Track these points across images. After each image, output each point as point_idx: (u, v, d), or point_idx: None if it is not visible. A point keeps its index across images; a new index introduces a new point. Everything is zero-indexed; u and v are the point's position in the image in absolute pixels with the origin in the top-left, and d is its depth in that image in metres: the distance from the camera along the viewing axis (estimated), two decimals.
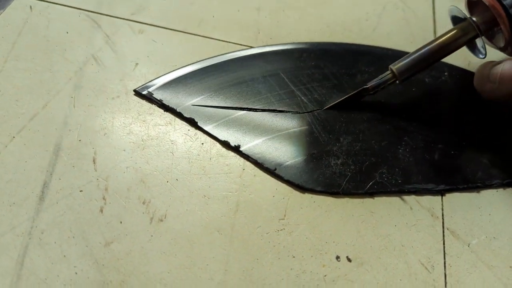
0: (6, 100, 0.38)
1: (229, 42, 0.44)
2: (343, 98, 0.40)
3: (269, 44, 0.44)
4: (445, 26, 0.48)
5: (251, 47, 0.44)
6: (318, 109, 0.39)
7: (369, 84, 0.39)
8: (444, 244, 0.34)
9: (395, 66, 0.38)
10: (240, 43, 0.44)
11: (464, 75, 0.44)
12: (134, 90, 0.39)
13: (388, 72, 0.38)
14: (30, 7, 0.45)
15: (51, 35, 0.43)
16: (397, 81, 0.38)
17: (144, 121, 0.38)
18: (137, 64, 0.42)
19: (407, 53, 0.45)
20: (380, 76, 0.38)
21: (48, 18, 0.44)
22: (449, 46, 0.38)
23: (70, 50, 0.42)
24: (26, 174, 0.34)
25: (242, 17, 0.47)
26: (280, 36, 0.46)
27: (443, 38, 0.38)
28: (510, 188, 0.37)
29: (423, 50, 0.37)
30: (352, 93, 0.39)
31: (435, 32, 0.48)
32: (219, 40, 0.44)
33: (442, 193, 0.36)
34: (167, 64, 0.42)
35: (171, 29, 0.45)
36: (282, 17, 0.47)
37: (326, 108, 0.40)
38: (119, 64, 0.41)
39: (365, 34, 0.47)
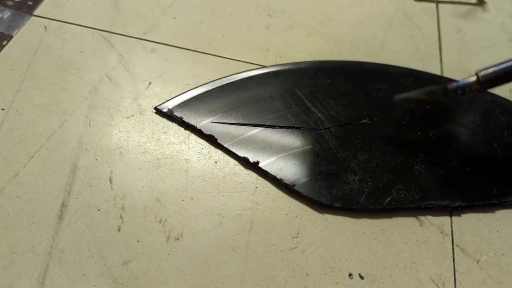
0: (24, 119, 0.39)
1: (240, 60, 0.45)
2: (418, 91, 0.39)
3: (279, 62, 0.45)
4: (450, 43, 0.49)
5: (262, 65, 0.45)
6: (334, 126, 0.40)
7: (450, 85, 0.37)
8: (454, 261, 0.35)
9: (482, 73, 0.36)
10: (250, 61, 0.45)
11: (478, 92, 0.44)
12: (155, 108, 0.40)
13: (473, 77, 0.36)
14: (45, 27, 0.46)
15: (66, 55, 0.44)
16: (480, 89, 0.36)
17: (158, 139, 0.39)
18: (150, 83, 0.43)
19: (418, 71, 0.45)
20: (463, 79, 0.37)
21: (62, 37, 0.45)
22: None
23: (84, 70, 0.43)
24: (45, 193, 0.35)
25: (251, 35, 0.48)
26: (289, 54, 0.47)
27: None
28: None
29: None
30: (429, 88, 0.39)
31: (440, 49, 0.49)
32: (229, 59, 0.45)
33: (458, 210, 0.37)
34: (180, 83, 0.43)
35: (182, 48, 0.46)
36: (290, 35, 0.48)
37: (399, 99, 0.40)
38: (133, 83, 0.42)
39: (373, 52, 0.48)
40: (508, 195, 0.37)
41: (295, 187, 0.37)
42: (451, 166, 0.39)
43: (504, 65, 0.35)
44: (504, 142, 0.40)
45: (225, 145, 0.39)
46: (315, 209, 0.36)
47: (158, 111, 0.40)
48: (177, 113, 0.40)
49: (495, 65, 0.35)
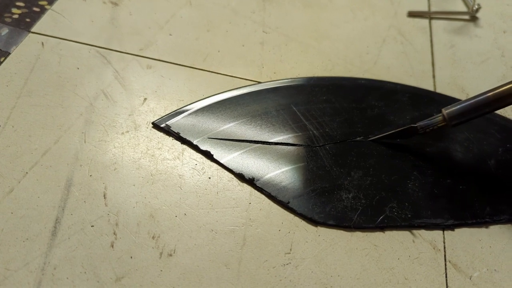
0: (19, 135, 0.39)
1: (235, 76, 0.46)
2: (389, 133, 0.41)
3: (273, 78, 0.46)
4: (443, 58, 0.50)
5: (257, 81, 0.45)
6: (329, 143, 0.41)
7: (418, 124, 0.39)
8: (446, 277, 0.35)
9: (447, 110, 0.37)
10: (245, 77, 0.46)
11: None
12: (152, 123, 0.41)
13: (439, 115, 0.38)
14: (42, 43, 0.46)
15: (62, 71, 0.44)
16: (446, 126, 0.37)
17: (152, 155, 0.39)
18: (145, 99, 0.43)
19: (413, 87, 0.46)
20: (430, 118, 0.38)
21: (59, 54, 0.45)
22: (506, 99, 0.35)
23: (80, 86, 0.43)
24: (39, 209, 0.35)
25: (246, 51, 0.48)
26: (284, 70, 0.47)
27: (503, 88, 0.35)
28: None
29: (479, 98, 0.36)
30: (399, 129, 0.40)
31: (433, 65, 0.50)
32: (224, 75, 0.46)
33: (451, 228, 0.37)
34: (175, 99, 0.43)
35: (178, 64, 0.46)
36: (285, 51, 0.49)
37: (371, 140, 0.41)
38: (128, 99, 0.43)
39: (367, 67, 0.49)
40: (501, 213, 0.38)
41: (289, 204, 0.37)
42: (445, 184, 0.39)
43: (467, 102, 0.36)
44: (499, 160, 0.41)
45: (221, 161, 0.39)
46: (308, 225, 0.36)
47: (156, 126, 0.41)
48: (174, 129, 0.40)
49: (459, 103, 0.37)
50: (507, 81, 0.36)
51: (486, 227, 0.37)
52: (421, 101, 0.44)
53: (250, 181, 0.38)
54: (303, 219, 0.37)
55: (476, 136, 0.42)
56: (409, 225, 0.36)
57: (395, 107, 0.43)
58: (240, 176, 0.38)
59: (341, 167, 0.39)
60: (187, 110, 0.42)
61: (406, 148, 0.41)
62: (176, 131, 0.40)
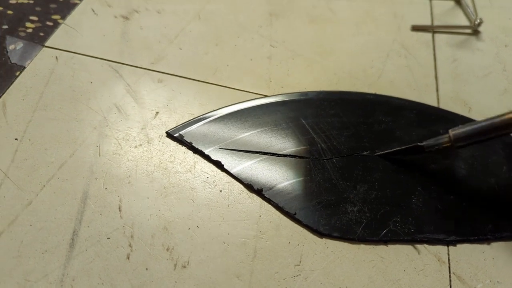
0: (36, 149, 0.40)
1: (243, 90, 0.47)
2: (395, 149, 0.42)
3: (281, 92, 0.47)
4: (446, 72, 0.51)
5: (264, 95, 0.47)
6: (336, 157, 0.42)
7: (424, 143, 0.40)
8: None
9: (453, 132, 0.38)
10: (253, 91, 0.47)
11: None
12: (166, 132, 0.43)
13: (446, 135, 0.39)
14: (56, 57, 0.47)
15: (76, 85, 0.45)
16: (451, 147, 0.38)
17: (165, 169, 0.40)
18: (157, 112, 0.44)
19: (421, 103, 0.47)
20: (436, 138, 0.39)
21: (73, 68, 0.47)
22: None
23: (94, 99, 0.44)
24: (57, 222, 0.36)
25: (254, 66, 0.50)
26: (291, 84, 0.48)
27: (510, 115, 0.35)
28: None
29: (485, 123, 0.36)
30: (405, 147, 0.41)
31: (436, 78, 0.51)
32: (233, 88, 0.47)
33: (453, 244, 0.38)
34: (186, 112, 0.44)
35: (188, 78, 0.47)
36: (291, 66, 0.50)
37: (377, 155, 0.42)
38: (140, 113, 0.44)
39: (371, 81, 0.50)
40: (503, 230, 0.38)
41: (296, 215, 0.38)
42: (448, 200, 0.40)
43: (474, 126, 0.37)
44: (503, 178, 0.42)
45: (231, 171, 0.40)
46: (317, 238, 0.38)
47: (169, 135, 0.42)
48: (187, 138, 0.42)
49: (467, 125, 0.38)
50: (509, 96, 0.36)
51: (488, 243, 0.38)
52: (428, 118, 0.45)
53: (259, 192, 0.39)
54: (309, 230, 0.38)
55: (481, 153, 0.43)
56: (412, 239, 0.38)
57: (402, 123, 0.44)
58: (249, 187, 0.40)
59: (347, 180, 0.40)
60: (200, 121, 0.43)
61: (411, 164, 0.42)
62: (189, 141, 0.42)
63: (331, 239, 0.37)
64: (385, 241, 0.38)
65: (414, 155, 0.42)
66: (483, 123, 0.37)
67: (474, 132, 0.37)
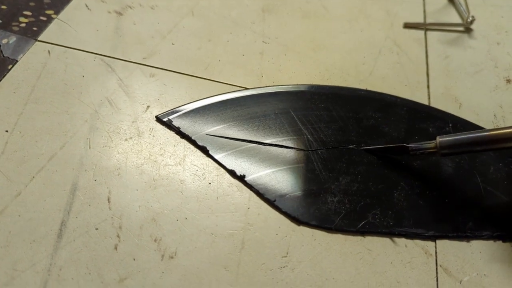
0: (27, 141, 0.40)
1: (235, 85, 0.47)
2: (381, 146, 0.42)
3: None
4: (437, 69, 0.51)
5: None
6: (322, 148, 0.42)
7: (410, 145, 0.39)
8: (437, 281, 0.36)
9: (441, 139, 0.38)
10: (245, 86, 0.47)
11: (467, 128, 0.46)
12: (156, 116, 0.43)
13: (432, 141, 0.38)
14: (49, 51, 0.48)
15: (68, 79, 0.46)
16: (436, 154, 0.38)
17: (155, 161, 0.41)
18: (148, 106, 0.44)
19: (413, 102, 0.47)
20: (423, 142, 0.39)
21: (65, 62, 0.47)
22: (502, 142, 0.35)
23: (85, 93, 0.45)
24: (45, 212, 0.36)
25: (246, 61, 0.50)
26: (282, 79, 0.49)
27: (500, 131, 0.35)
28: (499, 241, 0.39)
29: (473, 135, 0.36)
30: (391, 145, 0.41)
31: (427, 75, 0.51)
32: (225, 83, 0.47)
33: (432, 239, 0.38)
34: (177, 106, 0.45)
35: (180, 73, 0.48)
36: (283, 61, 0.51)
37: (363, 149, 0.42)
38: (132, 107, 0.44)
39: (362, 77, 0.50)
40: (483, 229, 0.38)
41: (275, 202, 0.39)
42: (430, 197, 0.40)
43: (462, 136, 0.37)
44: (489, 178, 0.42)
45: (216, 157, 0.41)
46: (304, 229, 0.38)
47: (158, 120, 0.43)
48: (176, 123, 0.42)
49: (456, 134, 0.37)
50: (500, 93, 0.36)
51: (468, 241, 0.38)
52: (418, 115, 0.45)
53: (241, 178, 0.40)
54: (288, 218, 0.38)
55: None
56: (390, 232, 0.38)
57: (391, 120, 0.44)
58: (232, 173, 0.40)
59: (330, 171, 0.41)
60: (189, 107, 0.44)
61: (396, 160, 0.42)
62: (177, 126, 0.42)
63: (308, 227, 0.38)
64: (362, 232, 0.38)
65: (399, 155, 0.42)
66: (473, 135, 0.36)
67: (461, 142, 0.37)
